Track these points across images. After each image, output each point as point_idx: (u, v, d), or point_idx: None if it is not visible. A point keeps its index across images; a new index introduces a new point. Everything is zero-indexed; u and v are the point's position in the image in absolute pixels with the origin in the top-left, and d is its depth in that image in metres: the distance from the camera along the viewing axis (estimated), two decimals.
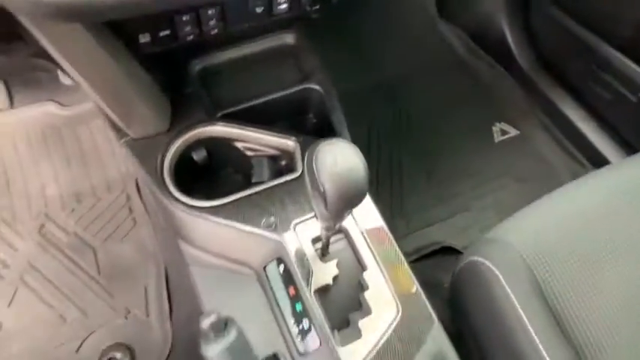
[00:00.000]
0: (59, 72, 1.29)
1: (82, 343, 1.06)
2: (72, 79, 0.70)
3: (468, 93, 1.45)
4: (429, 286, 0.66)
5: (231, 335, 0.40)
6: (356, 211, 0.70)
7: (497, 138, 1.38)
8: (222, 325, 0.41)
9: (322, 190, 0.43)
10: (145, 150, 0.76)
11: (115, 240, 1.18)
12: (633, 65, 1.09)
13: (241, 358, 0.41)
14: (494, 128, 1.39)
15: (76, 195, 1.24)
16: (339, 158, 0.44)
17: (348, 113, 0.92)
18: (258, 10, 0.72)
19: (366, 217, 0.69)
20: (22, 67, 0.78)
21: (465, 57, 1.50)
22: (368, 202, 0.71)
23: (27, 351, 1.05)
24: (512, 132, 1.39)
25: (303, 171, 0.72)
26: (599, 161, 1.24)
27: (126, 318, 1.09)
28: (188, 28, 0.70)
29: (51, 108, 1.32)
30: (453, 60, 1.49)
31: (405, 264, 0.67)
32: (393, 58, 1.46)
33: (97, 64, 0.61)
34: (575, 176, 0.78)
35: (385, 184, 1.26)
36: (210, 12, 0.69)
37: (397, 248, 0.68)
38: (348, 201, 0.45)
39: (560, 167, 1.33)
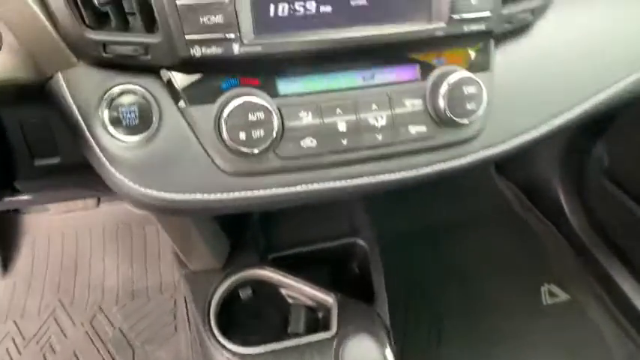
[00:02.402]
0: None
1: None
2: None
3: (517, 247, 1.45)
4: None
5: None
6: None
7: (546, 300, 1.34)
8: None
9: None
10: (199, 283, 0.84)
11: (154, 343, 1.24)
12: None
13: None
14: (542, 289, 1.36)
15: (130, 291, 1.35)
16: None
17: (390, 260, 0.97)
18: None
19: None
20: None
21: (517, 211, 1.52)
22: None
23: None
24: (562, 296, 1.35)
25: (337, 332, 0.75)
26: None
27: None
28: None
29: (128, 206, 1.49)
30: (505, 213, 1.52)
31: None
32: (442, 204, 1.52)
33: None
34: (631, 358, 0.75)
35: (421, 337, 1.24)
36: None
37: None
38: None
39: (615, 344, 1.25)
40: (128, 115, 0.51)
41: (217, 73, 0.51)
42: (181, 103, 0.51)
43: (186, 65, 0.49)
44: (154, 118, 0.51)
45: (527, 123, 0.60)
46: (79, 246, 1.45)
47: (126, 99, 0.51)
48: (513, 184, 1.57)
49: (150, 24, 0.48)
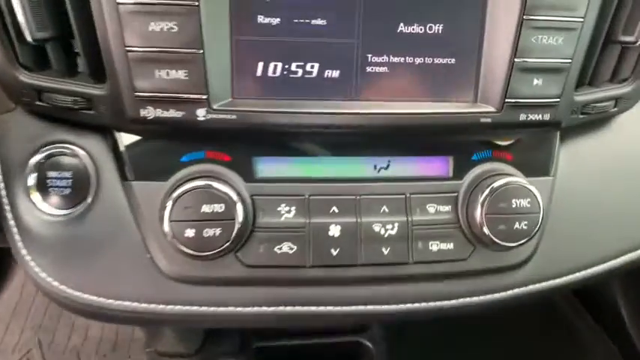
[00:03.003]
0: None
1: None
2: None
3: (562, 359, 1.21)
4: None
5: None
6: None
7: None
8: None
9: None
10: None
11: None
12: None
13: None
14: None
15: (113, 342, 1.22)
16: None
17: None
18: None
19: None
20: None
21: (567, 316, 1.29)
22: None
23: None
24: None
25: None
26: None
27: None
28: None
29: None
30: (550, 315, 1.29)
31: None
32: None
33: None
34: None
35: None
36: None
37: None
38: None
39: None
40: (59, 183, 0.39)
41: (178, 141, 0.39)
42: (126, 176, 0.39)
43: (139, 127, 0.37)
44: (90, 191, 0.39)
45: (597, 253, 0.44)
46: None
47: (61, 161, 0.39)
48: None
49: (99, 71, 0.37)
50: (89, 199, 0.38)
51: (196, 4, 0.32)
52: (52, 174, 0.38)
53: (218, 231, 0.35)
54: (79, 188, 0.38)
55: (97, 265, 0.38)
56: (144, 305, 0.38)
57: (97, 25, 0.34)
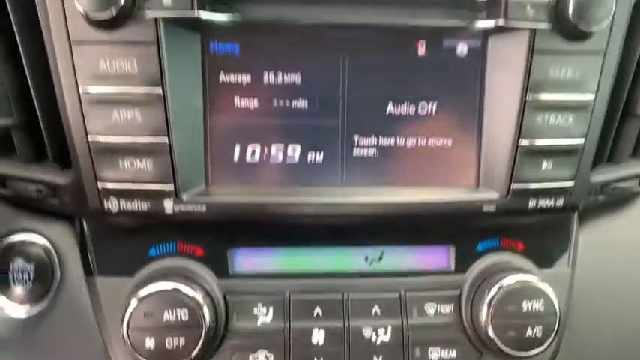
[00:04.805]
0: None
1: None
2: None
3: None
4: None
5: None
6: None
7: None
8: None
9: None
10: None
11: None
12: None
13: None
14: None
15: None
16: None
17: None
18: None
19: None
20: None
21: None
22: None
23: None
24: None
25: None
26: None
27: None
28: None
29: None
30: None
31: None
32: None
33: None
34: None
35: None
36: None
37: None
38: None
39: None
40: (19, 276, 0.36)
41: (147, 231, 0.35)
42: (91, 269, 0.35)
43: (105, 217, 0.34)
44: (53, 285, 0.35)
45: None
46: None
47: (24, 251, 0.36)
48: None
49: (64, 158, 0.34)
50: (51, 295, 0.35)
51: (159, 92, 0.30)
52: (14, 265, 0.35)
53: (182, 340, 0.31)
54: (42, 281, 0.35)
55: None
56: None
57: (61, 114, 0.32)
